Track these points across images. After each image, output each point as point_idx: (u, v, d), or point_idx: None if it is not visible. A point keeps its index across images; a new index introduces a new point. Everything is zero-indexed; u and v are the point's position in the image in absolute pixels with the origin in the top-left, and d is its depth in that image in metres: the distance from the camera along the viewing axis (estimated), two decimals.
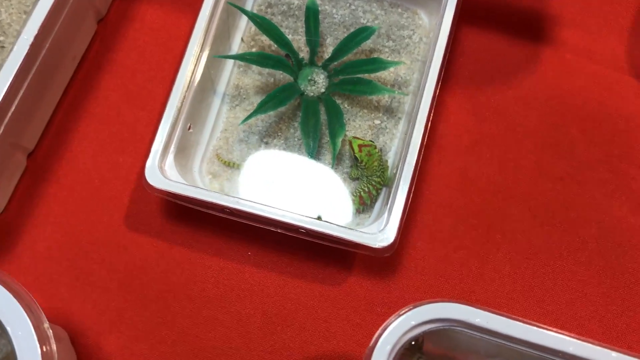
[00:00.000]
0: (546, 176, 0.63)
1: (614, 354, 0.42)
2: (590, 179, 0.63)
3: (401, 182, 0.55)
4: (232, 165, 0.62)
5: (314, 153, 0.61)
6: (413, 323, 0.43)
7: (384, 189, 0.61)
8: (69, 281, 0.60)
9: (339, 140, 0.60)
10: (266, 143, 0.63)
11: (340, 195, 0.61)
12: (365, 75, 0.62)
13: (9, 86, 0.54)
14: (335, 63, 0.63)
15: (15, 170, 0.62)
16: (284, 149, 0.62)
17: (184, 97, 0.58)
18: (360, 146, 0.59)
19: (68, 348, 0.57)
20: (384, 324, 0.44)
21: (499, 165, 0.64)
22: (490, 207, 0.62)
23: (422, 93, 0.58)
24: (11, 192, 0.62)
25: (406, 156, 0.55)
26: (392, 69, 0.64)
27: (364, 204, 0.60)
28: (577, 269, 0.61)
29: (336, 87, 0.62)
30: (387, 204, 0.56)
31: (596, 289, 0.61)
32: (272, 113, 0.63)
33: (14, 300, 0.44)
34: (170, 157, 0.57)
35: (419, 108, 0.57)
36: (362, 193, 0.60)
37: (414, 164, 0.55)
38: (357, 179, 0.61)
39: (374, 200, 0.60)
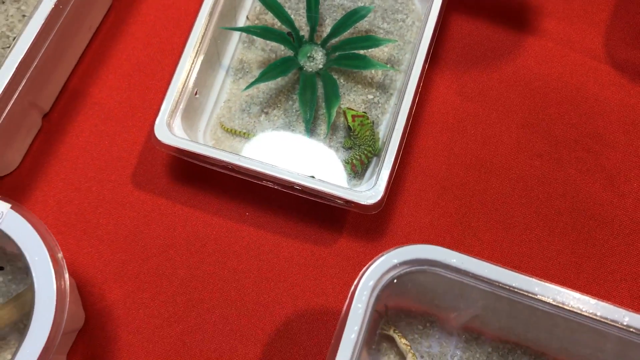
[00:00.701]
0: (525, 153, 0.68)
1: (576, 294, 0.46)
2: (566, 157, 0.68)
3: (390, 146, 0.59)
4: (234, 133, 0.66)
5: (310, 123, 0.65)
6: (395, 261, 0.47)
7: (375, 158, 0.65)
8: (77, 234, 0.64)
9: (334, 110, 0.64)
10: (266, 113, 0.67)
11: (334, 162, 0.65)
12: (361, 52, 0.67)
13: (30, 45, 0.59)
14: (333, 40, 0.68)
15: (31, 129, 0.66)
16: (283, 119, 0.67)
17: (193, 62, 0.62)
18: (353, 116, 0.64)
19: (75, 294, 0.61)
20: (369, 263, 0.48)
21: (482, 141, 0.68)
22: (472, 180, 0.67)
23: (412, 68, 0.63)
24: (26, 149, 0.66)
25: (395, 123, 0.60)
26: (385, 49, 0.68)
27: (355, 171, 0.64)
28: (552, 239, 0.65)
29: (333, 62, 0.67)
30: (377, 167, 0.61)
31: (569, 259, 0.65)
32: (272, 86, 0.68)
33: (32, 228, 0.48)
34: (178, 118, 0.61)
35: (408, 81, 0.62)
36: (354, 161, 0.64)
37: (402, 130, 0.60)
38: (350, 148, 0.66)
39: (365, 168, 0.65)
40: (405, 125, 0.60)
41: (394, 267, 0.47)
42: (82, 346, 0.61)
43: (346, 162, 0.64)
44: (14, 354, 0.47)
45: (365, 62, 0.65)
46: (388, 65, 0.67)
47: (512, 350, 0.60)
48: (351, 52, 0.66)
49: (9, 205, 0.48)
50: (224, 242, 0.64)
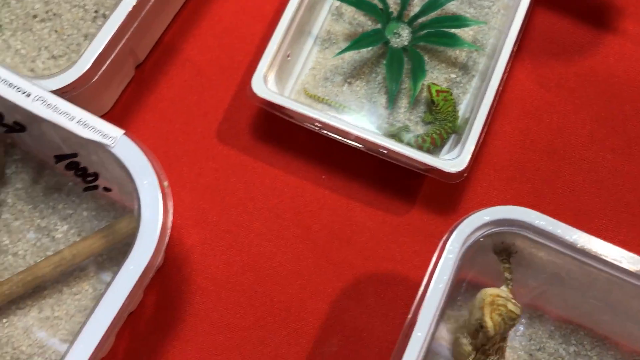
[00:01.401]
0: (598, 145, 0.70)
1: None
2: (638, 153, 0.69)
3: (477, 119, 0.61)
4: (317, 99, 0.68)
5: (395, 95, 0.67)
6: (487, 219, 0.49)
7: (453, 136, 0.67)
8: None
9: (419, 84, 0.66)
10: (349, 83, 0.70)
11: (413, 134, 0.67)
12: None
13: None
14: (421, 19, 0.70)
15: (125, 77, 0.69)
16: (365, 90, 0.69)
17: (289, 25, 0.65)
18: (437, 91, 0.66)
19: None
20: (460, 219, 0.50)
21: (557, 131, 0.70)
22: (545, 166, 0.69)
23: (500, 52, 0.65)
24: (117, 96, 0.69)
25: (483, 98, 0.62)
26: (470, 32, 0.71)
27: (434, 145, 0.66)
28: (619, 230, 0.67)
29: (421, 39, 0.69)
30: (460, 141, 0.63)
31: (635, 250, 0.66)
32: (357, 58, 0.70)
33: (143, 154, 0.50)
34: (272, 75, 0.64)
35: (495, 64, 0.64)
36: (434, 135, 0.66)
37: (488, 106, 0.62)
38: (430, 122, 0.68)
39: (443, 143, 0.66)
40: (491, 104, 0.62)
41: (485, 225, 0.49)
42: (158, 285, 0.63)
43: (426, 136, 0.66)
44: (116, 273, 0.49)
45: (454, 40, 0.67)
46: (477, 45, 0.69)
47: (574, 330, 0.61)
48: (440, 30, 0.68)
49: (123, 132, 0.51)
50: (299, 201, 0.66)
